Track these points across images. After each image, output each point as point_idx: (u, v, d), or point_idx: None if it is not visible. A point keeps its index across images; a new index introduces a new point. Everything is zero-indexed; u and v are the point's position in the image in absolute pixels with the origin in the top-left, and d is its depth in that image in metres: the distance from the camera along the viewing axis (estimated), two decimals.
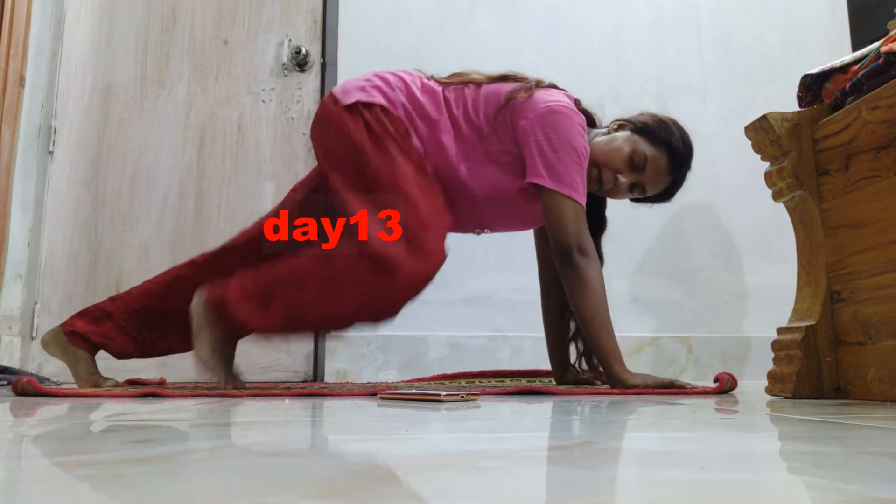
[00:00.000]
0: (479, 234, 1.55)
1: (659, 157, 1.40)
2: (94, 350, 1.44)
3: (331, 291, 1.24)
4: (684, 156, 1.43)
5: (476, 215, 1.46)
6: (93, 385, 1.38)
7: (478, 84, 1.45)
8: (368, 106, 1.35)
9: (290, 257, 1.30)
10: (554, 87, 1.47)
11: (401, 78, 1.46)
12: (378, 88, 1.40)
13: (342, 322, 1.30)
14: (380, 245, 1.20)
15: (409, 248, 1.21)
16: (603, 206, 1.57)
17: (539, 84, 1.43)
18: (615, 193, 1.45)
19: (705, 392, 1.22)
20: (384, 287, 1.20)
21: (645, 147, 1.40)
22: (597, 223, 1.52)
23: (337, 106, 1.37)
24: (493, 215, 1.46)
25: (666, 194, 1.47)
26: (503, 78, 1.46)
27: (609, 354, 1.29)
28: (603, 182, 1.42)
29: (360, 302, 1.24)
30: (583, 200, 1.33)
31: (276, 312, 1.26)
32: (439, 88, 1.45)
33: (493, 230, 1.56)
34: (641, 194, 1.45)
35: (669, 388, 1.22)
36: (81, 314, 1.47)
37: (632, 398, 1.11)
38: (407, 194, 1.27)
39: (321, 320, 1.30)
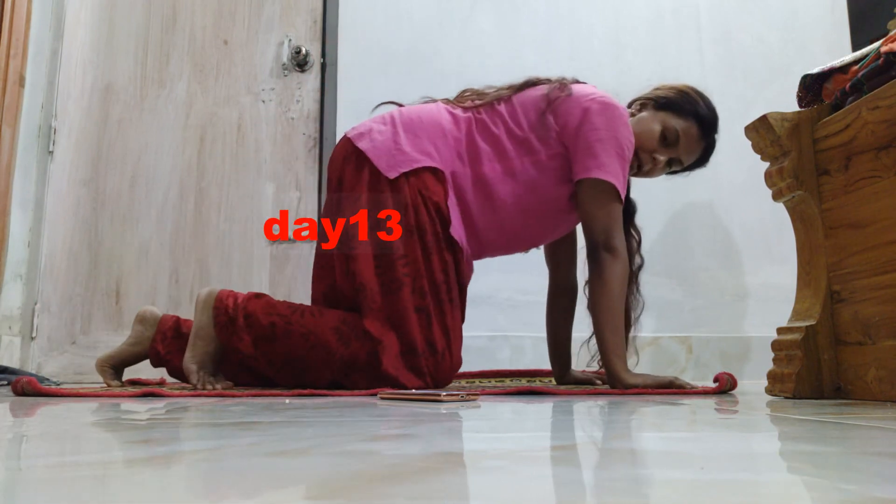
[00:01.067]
0: (527, 251, 1.55)
1: (689, 128, 1.41)
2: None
3: (333, 366, 1.29)
4: (712, 120, 1.44)
5: (528, 236, 1.46)
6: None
7: (507, 98, 1.43)
8: (413, 173, 1.33)
9: (316, 314, 1.31)
10: (577, 81, 1.46)
11: (433, 118, 1.40)
12: (419, 148, 1.36)
13: (326, 383, 1.32)
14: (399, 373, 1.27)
15: (434, 368, 1.29)
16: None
17: (567, 81, 1.42)
18: (654, 172, 1.46)
19: (705, 392, 1.22)
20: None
21: (674, 122, 1.40)
22: (626, 207, 1.48)
23: (379, 180, 1.33)
24: (545, 230, 1.46)
25: (702, 160, 1.48)
26: (528, 84, 1.45)
27: (612, 352, 1.28)
28: (642, 164, 1.43)
29: (361, 382, 1.29)
30: (622, 191, 1.32)
31: (268, 352, 1.29)
32: (469, 114, 1.41)
33: (543, 243, 1.56)
34: (679, 167, 1.46)
35: (669, 388, 1.22)
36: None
37: (632, 398, 1.11)
38: (429, 311, 1.29)
39: (306, 378, 1.32)
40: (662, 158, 1.42)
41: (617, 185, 1.31)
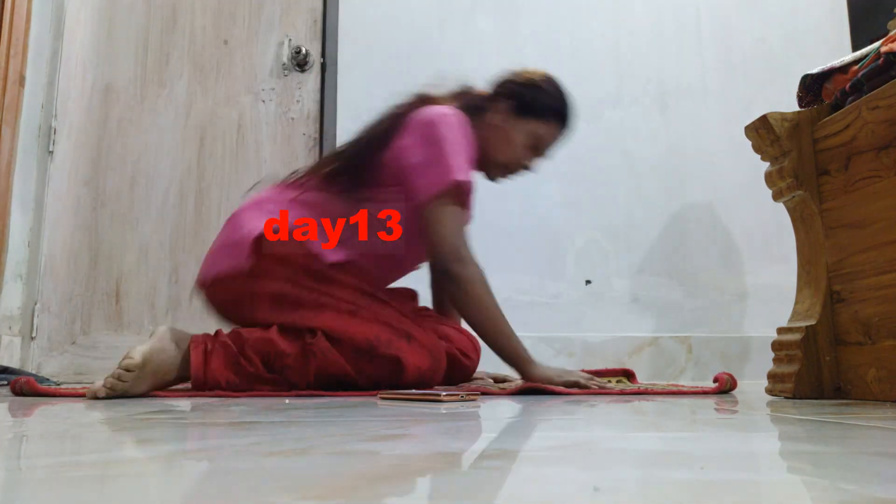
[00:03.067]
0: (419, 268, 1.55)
1: (552, 127, 1.42)
2: None
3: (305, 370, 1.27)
4: (571, 112, 1.45)
5: (410, 262, 1.48)
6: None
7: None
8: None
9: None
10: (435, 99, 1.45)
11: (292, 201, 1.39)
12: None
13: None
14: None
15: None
16: None
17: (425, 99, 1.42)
18: (527, 172, 1.47)
19: (705, 392, 1.22)
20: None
21: (535, 126, 1.40)
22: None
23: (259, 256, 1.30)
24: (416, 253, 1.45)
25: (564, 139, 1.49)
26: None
27: (512, 357, 1.28)
28: (514, 174, 1.45)
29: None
30: (461, 176, 1.28)
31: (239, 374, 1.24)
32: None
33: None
34: (548, 158, 1.48)
35: (574, 388, 1.20)
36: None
37: (632, 398, 1.11)
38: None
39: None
40: (533, 164, 1.44)
41: (452, 176, 1.30)
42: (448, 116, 1.33)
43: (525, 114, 1.40)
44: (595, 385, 1.23)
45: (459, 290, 1.28)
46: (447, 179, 1.27)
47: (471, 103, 1.44)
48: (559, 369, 1.29)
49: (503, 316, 1.29)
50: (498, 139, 1.40)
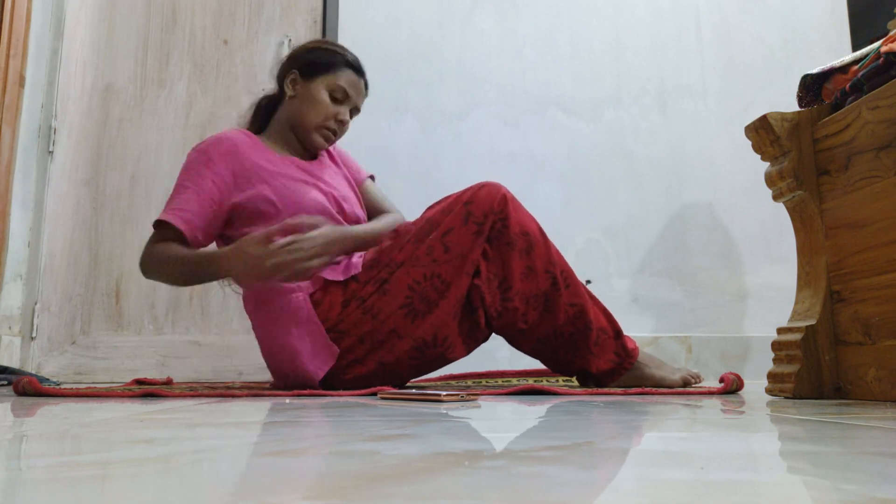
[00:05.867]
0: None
1: (343, 73, 1.46)
2: None
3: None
4: (351, 54, 1.50)
5: None
6: None
7: None
8: None
9: None
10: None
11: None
12: None
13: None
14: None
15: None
16: None
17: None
18: (345, 128, 1.49)
19: (710, 392, 1.22)
20: None
21: (326, 80, 1.44)
22: None
23: None
24: None
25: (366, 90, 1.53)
26: None
27: (201, 266, 1.30)
28: (336, 133, 1.47)
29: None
30: (172, 218, 1.31)
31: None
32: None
33: None
34: (357, 112, 1.51)
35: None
36: None
37: (632, 398, 1.11)
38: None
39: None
40: (344, 116, 1.46)
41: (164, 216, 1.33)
42: (189, 154, 1.43)
43: (312, 74, 1.45)
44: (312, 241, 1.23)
45: (151, 273, 1.33)
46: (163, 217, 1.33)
47: (267, 101, 1.54)
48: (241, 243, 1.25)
49: (174, 250, 1.30)
50: (302, 106, 1.45)
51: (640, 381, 1.33)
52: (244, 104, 2.35)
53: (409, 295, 1.28)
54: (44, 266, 2.24)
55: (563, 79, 2.40)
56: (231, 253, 1.22)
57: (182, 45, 2.38)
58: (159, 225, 1.33)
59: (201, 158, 1.39)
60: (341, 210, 1.42)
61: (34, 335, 2.20)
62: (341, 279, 1.32)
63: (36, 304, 2.22)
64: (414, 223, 1.35)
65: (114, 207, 2.29)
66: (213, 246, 1.39)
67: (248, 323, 1.52)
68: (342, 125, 1.47)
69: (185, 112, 2.35)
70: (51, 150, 2.29)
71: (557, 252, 1.35)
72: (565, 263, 1.35)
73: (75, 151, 2.31)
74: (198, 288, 2.24)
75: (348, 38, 2.35)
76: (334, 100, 1.45)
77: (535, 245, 1.31)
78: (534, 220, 1.35)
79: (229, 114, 2.34)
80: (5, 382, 1.57)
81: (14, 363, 2.11)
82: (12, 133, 2.18)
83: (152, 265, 1.32)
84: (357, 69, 1.48)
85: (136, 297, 2.24)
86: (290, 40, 2.37)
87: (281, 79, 1.50)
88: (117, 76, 2.36)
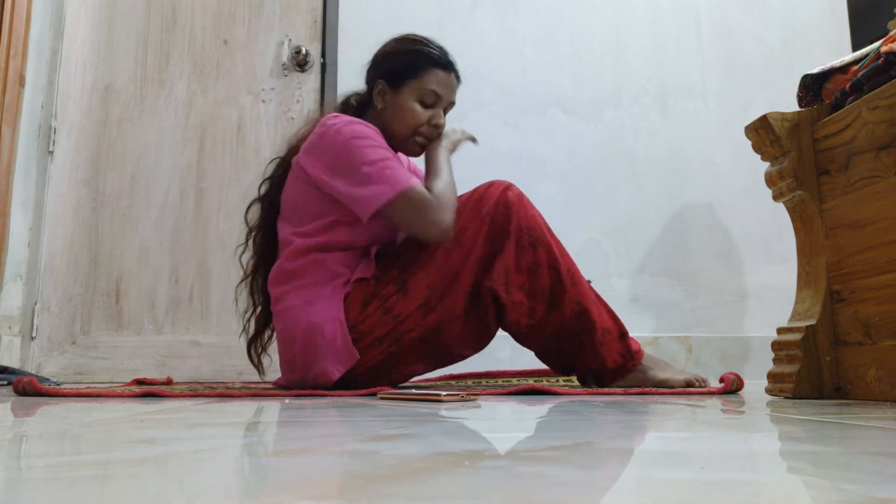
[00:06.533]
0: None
1: (434, 75, 1.39)
2: None
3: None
4: (443, 53, 1.42)
5: None
6: None
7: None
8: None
9: None
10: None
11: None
12: None
13: None
14: None
15: None
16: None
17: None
18: (441, 129, 1.44)
19: (711, 392, 1.22)
20: None
21: (413, 86, 1.39)
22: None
23: None
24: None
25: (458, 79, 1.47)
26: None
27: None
28: (431, 136, 1.42)
29: None
30: (403, 182, 1.27)
31: None
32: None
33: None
34: (453, 105, 1.46)
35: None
36: None
37: (632, 398, 1.11)
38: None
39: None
40: (441, 120, 1.41)
41: (397, 187, 1.29)
42: (358, 138, 1.32)
43: (398, 82, 1.40)
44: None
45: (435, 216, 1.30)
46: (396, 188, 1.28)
47: (357, 101, 1.48)
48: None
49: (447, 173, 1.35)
50: (393, 118, 1.40)
51: (642, 383, 1.33)
52: (244, 104, 2.35)
53: (428, 295, 1.29)
54: (44, 266, 2.24)
55: (563, 79, 2.40)
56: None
57: (182, 45, 2.38)
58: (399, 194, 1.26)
59: (375, 136, 1.32)
60: None
61: (34, 335, 2.20)
62: (368, 276, 1.31)
63: (36, 304, 2.22)
64: None
65: (114, 207, 2.29)
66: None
67: None
68: (437, 128, 1.42)
69: (185, 112, 2.34)
70: (51, 150, 2.29)
71: (563, 249, 1.35)
72: (571, 261, 1.35)
73: (75, 151, 2.31)
74: (197, 288, 2.24)
75: (348, 38, 2.35)
76: (425, 105, 1.39)
77: (540, 241, 1.31)
78: (539, 215, 1.35)
79: (229, 114, 2.34)
80: (5, 382, 1.57)
81: (14, 363, 2.11)
82: (12, 133, 2.18)
83: (450, 194, 1.30)
84: (444, 65, 1.40)
85: (135, 297, 2.24)
86: (290, 40, 2.37)
87: (370, 86, 1.45)
88: (117, 76, 2.36)
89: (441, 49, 1.42)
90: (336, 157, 1.30)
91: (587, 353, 1.33)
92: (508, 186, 1.34)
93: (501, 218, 1.30)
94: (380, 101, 1.42)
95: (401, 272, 1.31)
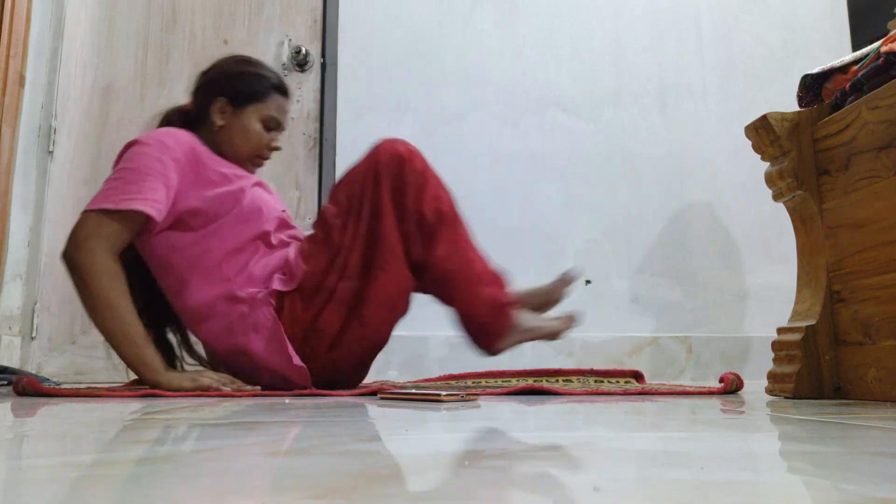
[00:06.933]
0: None
1: (276, 101, 1.43)
2: None
3: None
4: (278, 79, 1.45)
5: None
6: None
7: None
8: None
9: None
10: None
11: None
12: None
13: None
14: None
15: None
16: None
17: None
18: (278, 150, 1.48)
19: (710, 392, 1.22)
20: None
21: (261, 107, 1.41)
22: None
23: None
24: None
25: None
26: None
27: (133, 363, 1.22)
28: (267, 157, 1.45)
29: None
30: (106, 205, 1.25)
31: None
32: None
33: None
34: (284, 130, 1.49)
35: (208, 391, 1.19)
36: None
37: (632, 398, 1.11)
38: None
39: None
40: (277, 139, 1.46)
41: (94, 206, 1.27)
42: (138, 144, 1.31)
43: (242, 103, 1.41)
44: (230, 388, 1.21)
45: (78, 279, 1.25)
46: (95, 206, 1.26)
47: (187, 118, 1.44)
48: (190, 373, 1.23)
49: (131, 318, 1.22)
50: (235, 137, 1.41)
51: (521, 340, 1.33)
52: None
53: (365, 260, 1.28)
54: (44, 266, 2.24)
55: (563, 79, 2.40)
56: (175, 374, 1.22)
57: (182, 45, 2.38)
58: (112, 213, 1.23)
59: (164, 150, 1.29)
60: (284, 220, 1.41)
61: (34, 335, 2.20)
62: (294, 287, 1.28)
63: (36, 304, 2.22)
64: (334, 205, 1.33)
65: None
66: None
67: None
68: (275, 150, 1.47)
69: None
70: (51, 150, 2.29)
71: (447, 192, 1.33)
72: (452, 204, 1.32)
73: (75, 151, 2.31)
74: None
75: (348, 38, 2.35)
76: (267, 128, 1.43)
77: (424, 183, 1.29)
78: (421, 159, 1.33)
79: None
80: (5, 382, 1.57)
81: (14, 363, 2.11)
82: (12, 133, 2.18)
83: (99, 295, 1.21)
84: (285, 92, 1.46)
85: None
86: (290, 40, 2.37)
87: (204, 102, 1.42)
88: (117, 76, 2.36)
89: (280, 78, 1.47)
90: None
91: (460, 295, 1.31)
92: (391, 143, 1.33)
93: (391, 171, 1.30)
94: (219, 118, 1.41)
95: (335, 256, 1.29)
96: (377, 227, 1.28)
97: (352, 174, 1.34)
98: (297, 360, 1.26)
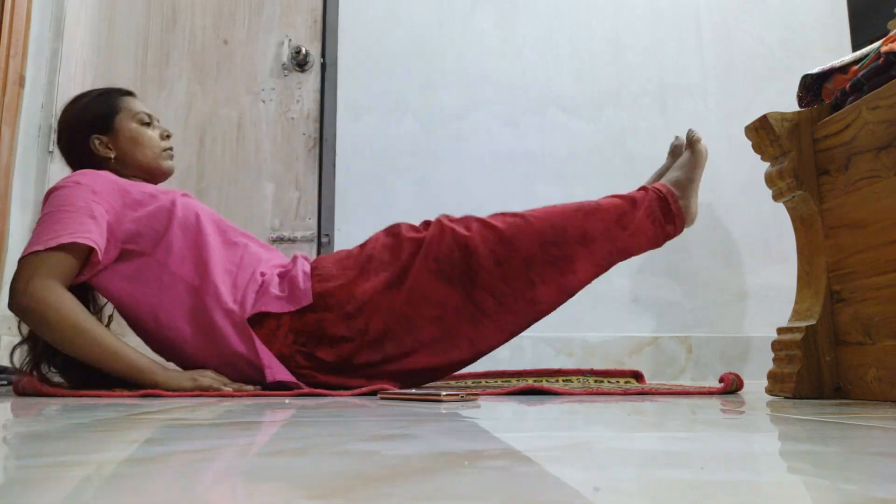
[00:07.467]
0: None
1: (129, 101, 1.45)
2: None
3: None
4: (114, 87, 1.50)
5: None
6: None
7: None
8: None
9: None
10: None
11: None
12: None
13: None
14: None
15: None
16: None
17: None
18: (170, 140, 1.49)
19: (710, 392, 1.22)
20: None
21: (125, 115, 1.42)
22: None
23: None
24: None
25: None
26: None
27: (130, 372, 1.20)
28: (171, 147, 1.47)
29: None
30: (37, 248, 1.21)
31: None
32: None
33: None
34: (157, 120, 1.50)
35: (208, 391, 1.18)
36: None
37: (632, 398, 1.11)
38: None
39: None
40: (163, 128, 1.48)
41: (31, 248, 1.22)
42: (55, 190, 1.28)
43: (108, 125, 1.40)
44: (230, 388, 1.21)
45: (36, 320, 1.19)
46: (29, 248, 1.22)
47: (81, 161, 1.41)
48: (190, 373, 1.23)
49: (104, 333, 1.20)
50: (132, 152, 1.41)
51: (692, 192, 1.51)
52: (244, 104, 2.35)
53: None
54: None
55: (563, 79, 2.40)
56: (173, 373, 1.22)
57: (182, 45, 2.38)
58: (47, 252, 1.19)
59: (80, 188, 1.25)
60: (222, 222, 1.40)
61: None
62: (292, 309, 1.27)
63: None
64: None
65: None
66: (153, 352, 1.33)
67: None
68: (169, 139, 1.47)
69: (185, 112, 2.34)
70: (51, 150, 2.29)
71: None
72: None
73: None
74: None
75: (348, 38, 2.35)
76: (146, 125, 1.44)
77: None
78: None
79: (229, 114, 2.34)
80: (5, 382, 1.57)
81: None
82: (12, 133, 2.17)
83: (63, 325, 1.17)
84: (128, 92, 1.47)
85: None
86: (290, 40, 2.37)
87: (84, 151, 1.39)
88: (117, 76, 2.36)
89: (114, 86, 1.50)
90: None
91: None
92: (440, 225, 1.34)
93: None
94: (105, 150, 1.40)
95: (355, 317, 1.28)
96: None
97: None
98: (276, 373, 1.25)
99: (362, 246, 1.38)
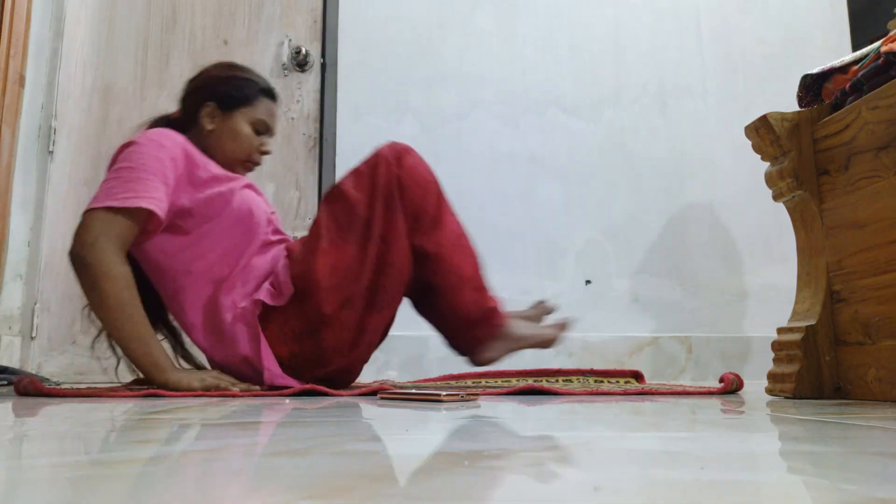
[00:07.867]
0: None
1: (265, 105, 1.44)
2: None
3: None
4: (266, 83, 1.47)
5: None
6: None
7: None
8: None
9: None
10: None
11: None
12: None
13: None
14: None
15: None
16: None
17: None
18: (267, 153, 1.49)
19: (710, 392, 1.22)
20: None
21: (253, 112, 1.42)
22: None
23: None
24: None
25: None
26: None
27: (144, 365, 1.22)
28: (258, 161, 1.46)
29: None
30: (111, 203, 1.23)
31: None
32: None
33: None
34: (273, 135, 1.50)
35: (215, 391, 1.19)
36: None
37: (632, 398, 1.11)
38: None
39: None
40: (268, 143, 1.47)
41: (96, 204, 1.23)
42: (134, 144, 1.29)
43: (231, 107, 1.41)
44: (238, 388, 1.21)
45: (89, 280, 1.21)
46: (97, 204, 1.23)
47: (175, 124, 1.43)
48: (199, 373, 1.24)
49: (141, 318, 1.22)
50: (226, 141, 1.41)
51: (513, 344, 1.35)
52: None
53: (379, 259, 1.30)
54: (44, 266, 2.24)
55: (563, 79, 2.41)
56: (185, 373, 1.23)
57: (182, 45, 2.38)
58: (118, 211, 1.21)
59: (162, 150, 1.28)
60: (272, 220, 1.41)
61: (34, 335, 2.20)
62: (282, 303, 1.28)
63: (36, 304, 2.22)
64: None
65: None
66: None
67: None
68: (265, 154, 1.47)
69: None
70: (51, 150, 2.29)
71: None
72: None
73: (75, 151, 2.31)
74: None
75: (348, 38, 2.35)
76: (256, 132, 1.44)
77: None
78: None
79: None
80: (6, 382, 1.57)
81: (14, 363, 2.11)
82: (12, 133, 2.18)
83: (110, 297, 1.19)
84: (273, 96, 1.47)
85: None
86: (290, 40, 2.37)
87: (193, 108, 1.43)
88: (117, 76, 2.36)
89: (268, 83, 1.47)
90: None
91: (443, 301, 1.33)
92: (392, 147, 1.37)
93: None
94: (209, 123, 1.41)
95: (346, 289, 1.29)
96: (390, 225, 1.29)
97: (354, 177, 1.34)
98: (275, 378, 1.27)
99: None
